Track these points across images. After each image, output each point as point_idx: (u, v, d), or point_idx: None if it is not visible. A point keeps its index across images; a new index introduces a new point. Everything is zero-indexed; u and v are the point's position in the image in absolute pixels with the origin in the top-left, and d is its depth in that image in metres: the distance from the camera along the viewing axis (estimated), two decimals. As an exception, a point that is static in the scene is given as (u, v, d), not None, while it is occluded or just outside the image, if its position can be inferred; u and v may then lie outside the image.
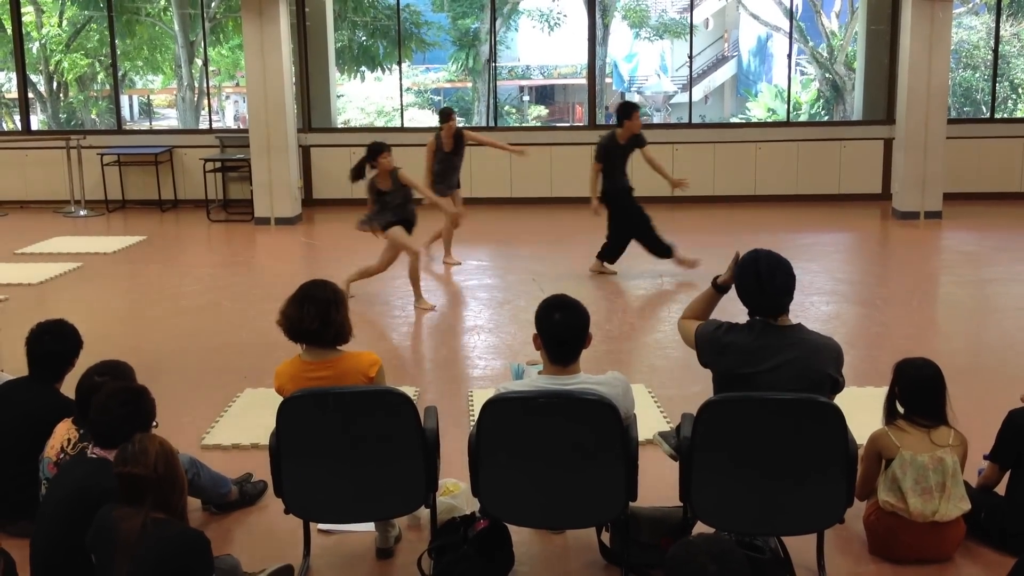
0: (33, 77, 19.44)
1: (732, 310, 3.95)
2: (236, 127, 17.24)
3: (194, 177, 12.51)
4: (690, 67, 15.44)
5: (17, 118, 15.13)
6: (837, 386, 3.68)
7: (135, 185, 12.77)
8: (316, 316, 3.79)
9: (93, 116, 21.27)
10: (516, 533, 3.91)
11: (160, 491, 3.01)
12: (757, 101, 24.67)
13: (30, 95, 16.64)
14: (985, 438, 4.13)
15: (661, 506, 3.94)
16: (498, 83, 20.06)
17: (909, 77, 10.94)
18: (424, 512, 3.96)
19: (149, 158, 12.56)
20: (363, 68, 21.72)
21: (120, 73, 17.16)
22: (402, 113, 14.92)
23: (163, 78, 22.09)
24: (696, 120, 17.24)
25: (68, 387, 4.12)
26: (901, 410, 3.96)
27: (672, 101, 26.71)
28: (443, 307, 8.00)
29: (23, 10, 14.85)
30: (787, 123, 13.82)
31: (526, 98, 27.76)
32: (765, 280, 3.65)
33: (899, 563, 3.90)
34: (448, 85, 25.53)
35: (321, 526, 4.17)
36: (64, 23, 20.20)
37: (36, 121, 19.48)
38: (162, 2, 19.71)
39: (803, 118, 20.72)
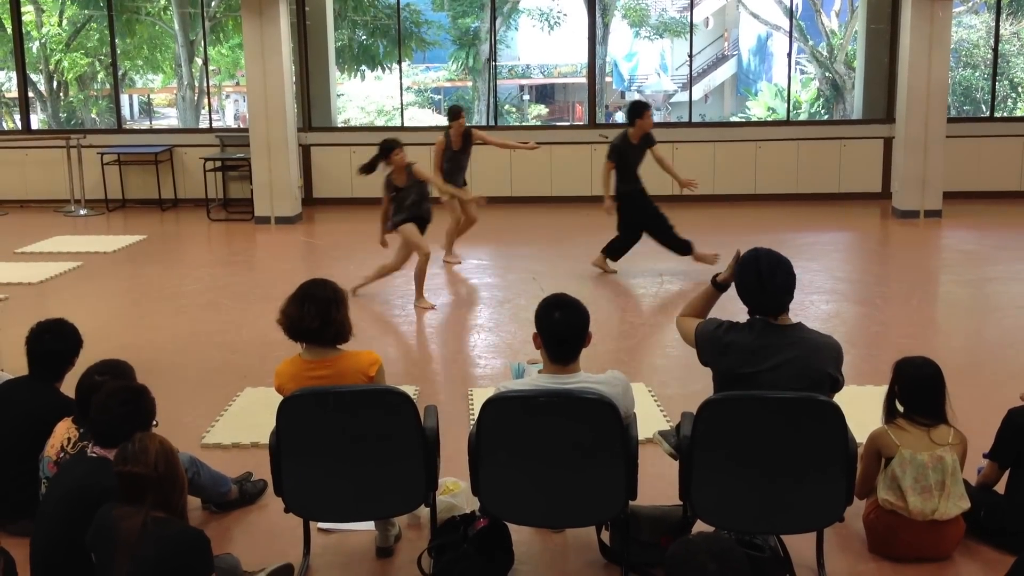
0: (33, 76, 19.44)
1: (732, 309, 3.95)
2: (236, 126, 17.23)
3: (194, 176, 12.51)
4: (690, 66, 15.45)
5: (17, 117, 15.13)
6: (837, 385, 3.68)
7: (135, 184, 12.77)
8: (316, 315, 3.79)
9: (93, 115, 21.27)
10: (516, 532, 3.91)
11: (160, 490, 3.01)
12: (757, 100, 24.67)
13: (30, 94, 16.64)
14: (985, 436, 4.13)
15: (661, 505, 3.95)
16: (498, 82, 20.06)
17: (909, 76, 10.94)
18: (424, 511, 3.95)
19: (149, 157, 12.57)
20: (363, 67, 21.72)
21: (120, 72, 17.15)
22: (402, 112, 14.94)
23: (163, 77, 22.08)
24: (696, 119, 17.24)
25: (68, 386, 4.12)
26: (901, 409, 3.96)
27: (672, 100, 26.70)
28: (443, 306, 8.00)
29: (23, 9, 14.85)
30: (787, 122, 13.82)
31: (526, 97, 27.76)
32: (766, 279, 3.65)
33: (898, 561, 3.90)
34: (448, 84, 25.53)
35: (321, 525, 4.17)
36: (64, 22, 20.20)
37: (36, 120, 19.48)
38: (162, 1, 19.71)
39: (803, 117, 20.71)
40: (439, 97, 25.42)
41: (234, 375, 6.22)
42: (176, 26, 19.26)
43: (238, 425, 5.38)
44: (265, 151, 11.44)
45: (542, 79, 28.37)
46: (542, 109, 27.01)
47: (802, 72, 23.09)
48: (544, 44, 25.35)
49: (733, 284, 3.81)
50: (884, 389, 4.05)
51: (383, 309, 7.89)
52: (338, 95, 14.89)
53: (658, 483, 4.02)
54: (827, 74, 21.80)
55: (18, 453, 4.06)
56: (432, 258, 8.14)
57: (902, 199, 11.26)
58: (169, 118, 24.51)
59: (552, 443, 3.52)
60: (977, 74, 21.09)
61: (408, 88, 22.24)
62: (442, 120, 21.19)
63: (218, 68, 21.81)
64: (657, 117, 24.96)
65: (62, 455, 3.78)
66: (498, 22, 18.75)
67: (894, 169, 11.67)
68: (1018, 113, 21.73)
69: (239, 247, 10.76)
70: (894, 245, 10.48)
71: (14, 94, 15.63)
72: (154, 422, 3.57)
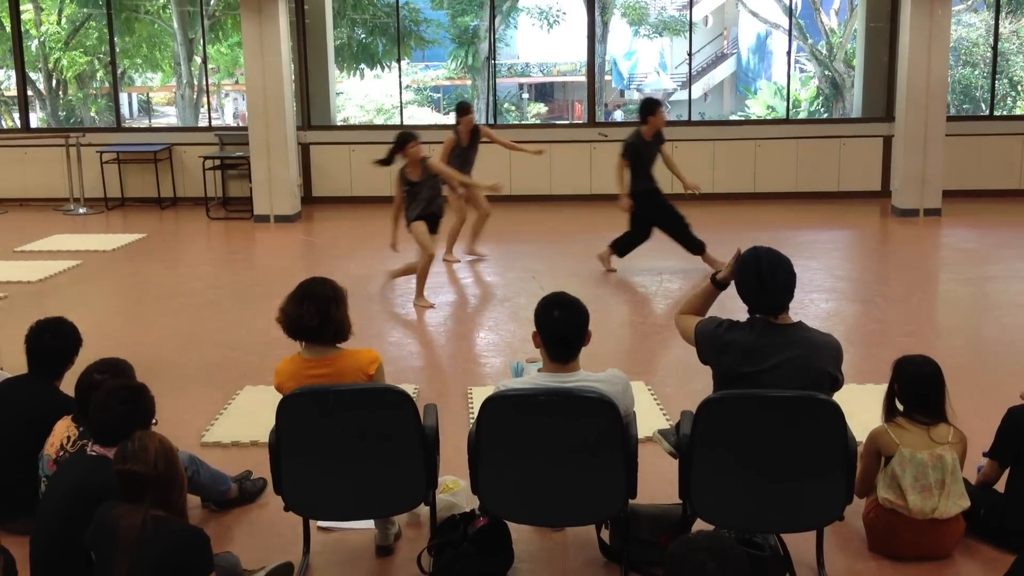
0: (32, 75, 19.42)
1: (731, 307, 3.95)
2: (235, 125, 17.24)
3: (193, 175, 12.50)
4: (689, 64, 15.44)
5: (16, 116, 15.11)
6: (836, 384, 3.67)
7: (134, 183, 12.76)
8: (316, 313, 3.79)
9: (92, 114, 21.26)
10: (516, 530, 3.91)
11: (160, 488, 3.01)
12: (756, 98, 24.67)
13: (29, 93, 16.62)
14: (985, 435, 4.13)
15: (661, 503, 3.95)
16: (497, 80, 20.02)
17: (908, 74, 10.94)
18: (424, 509, 3.95)
19: (148, 156, 12.56)
20: (362, 65, 21.71)
21: (119, 71, 17.13)
22: (401, 110, 14.94)
23: (162, 76, 22.08)
24: (695, 118, 17.24)
25: (68, 385, 4.12)
26: (900, 407, 3.96)
27: (671, 99, 26.69)
28: (443, 305, 8.00)
29: (22, 7, 14.82)
30: (786, 120, 13.82)
31: (525, 95, 27.77)
32: (766, 278, 3.64)
33: (898, 560, 3.90)
34: (447, 82, 25.52)
35: (321, 523, 4.17)
36: (63, 21, 20.19)
37: (35, 119, 19.48)
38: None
39: (802, 115, 20.71)
40: (438, 95, 25.42)
41: (234, 373, 6.21)
42: (175, 24, 19.26)
43: (238, 423, 5.38)
44: (264, 149, 11.43)
45: (541, 77, 28.38)
46: (541, 107, 27.01)
47: (801, 70, 23.09)
48: (543, 42, 25.36)
49: (732, 282, 3.81)
50: (884, 388, 4.05)
51: (383, 308, 7.89)
52: (337, 93, 14.87)
53: (658, 482, 4.02)
54: (826, 72, 21.80)
55: (18, 452, 4.06)
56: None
57: (902, 197, 11.26)
58: (168, 116, 24.52)
59: (552, 442, 3.52)
60: (976, 72, 21.10)
61: (407, 86, 22.23)
62: (442, 119, 21.24)
63: (217, 66, 21.80)
64: (658, 115, 25.11)
65: (62, 453, 3.78)
66: (497, 20, 18.73)
67: (894, 167, 11.67)
68: (1017, 111, 21.74)
69: (238, 246, 10.76)
70: (894, 243, 10.47)
71: (13, 92, 15.60)
72: (153, 420, 3.57)
